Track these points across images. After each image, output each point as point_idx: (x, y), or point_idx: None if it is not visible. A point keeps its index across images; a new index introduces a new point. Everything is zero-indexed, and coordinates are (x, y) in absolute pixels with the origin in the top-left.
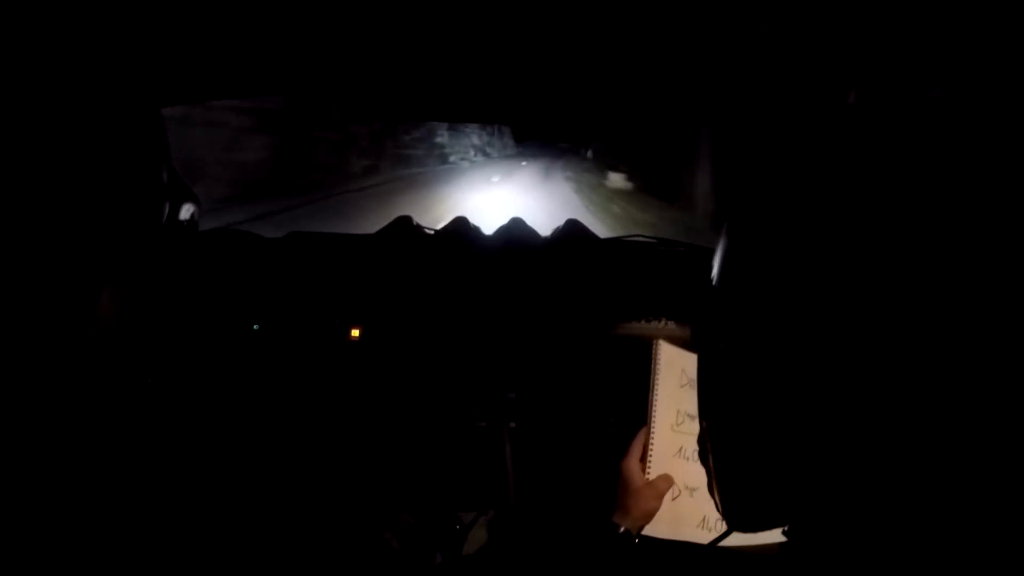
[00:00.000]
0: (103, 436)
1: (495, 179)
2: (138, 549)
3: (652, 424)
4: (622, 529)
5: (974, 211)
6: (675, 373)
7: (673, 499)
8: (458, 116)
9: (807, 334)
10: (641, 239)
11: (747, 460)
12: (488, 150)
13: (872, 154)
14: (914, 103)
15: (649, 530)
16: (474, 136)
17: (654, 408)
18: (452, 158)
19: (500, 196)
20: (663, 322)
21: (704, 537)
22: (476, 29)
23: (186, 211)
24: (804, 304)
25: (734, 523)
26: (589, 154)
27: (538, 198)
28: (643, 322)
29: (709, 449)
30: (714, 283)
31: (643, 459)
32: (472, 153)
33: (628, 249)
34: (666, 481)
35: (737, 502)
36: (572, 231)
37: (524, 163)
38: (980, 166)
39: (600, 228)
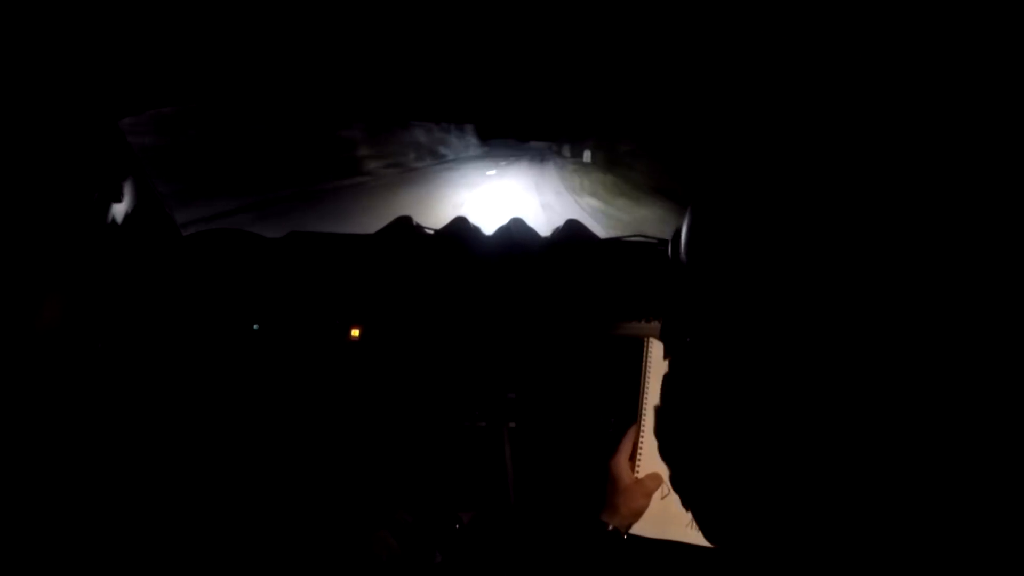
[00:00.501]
0: (100, 436)
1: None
2: (138, 549)
3: (642, 423)
4: (611, 527)
5: (948, 206)
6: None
7: (662, 498)
8: (415, 112)
9: (773, 329)
10: (641, 239)
11: (708, 455)
12: (442, 151)
13: (842, 150)
14: (880, 102)
15: (637, 529)
16: (418, 133)
17: (644, 407)
18: (371, 165)
19: (500, 195)
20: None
21: (692, 536)
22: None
23: (141, 212)
24: (769, 298)
25: (703, 526)
26: (587, 157)
27: (538, 198)
28: (642, 322)
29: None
30: (677, 272)
31: (632, 458)
32: (412, 157)
33: (628, 249)
34: (655, 480)
35: (700, 502)
36: (572, 231)
37: (492, 172)
38: (955, 162)
39: (600, 228)
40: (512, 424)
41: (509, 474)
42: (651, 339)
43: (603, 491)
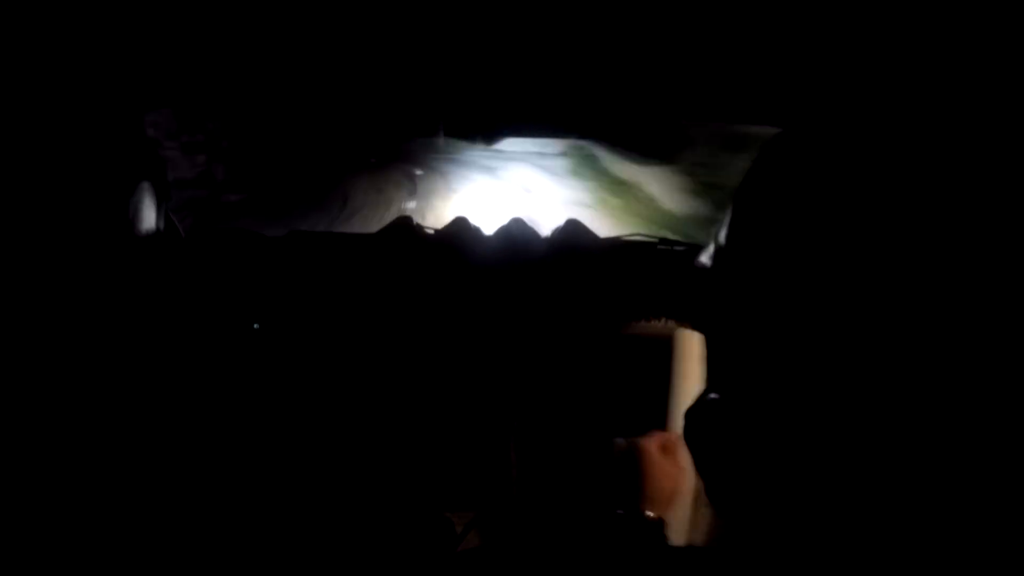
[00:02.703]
0: (103, 436)
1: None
2: (138, 549)
3: (673, 408)
4: (651, 516)
5: (977, 210)
6: (697, 358)
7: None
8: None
9: (802, 328)
10: (641, 239)
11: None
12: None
13: (873, 150)
14: (914, 100)
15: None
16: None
17: (674, 402)
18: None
19: (499, 196)
20: (663, 321)
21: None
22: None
23: (158, 216)
24: (801, 297)
25: (718, 508)
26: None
27: (537, 197)
28: (643, 321)
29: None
30: (711, 267)
31: (664, 448)
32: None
33: (628, 249)
34: (682, 455)
35: (718, 488)
36: (572, 231)
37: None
38: (983, 164)
39: (600, 227)
40: (515, 424)
41: (513, 473)
42: (680, 333)
43: (633, 484)
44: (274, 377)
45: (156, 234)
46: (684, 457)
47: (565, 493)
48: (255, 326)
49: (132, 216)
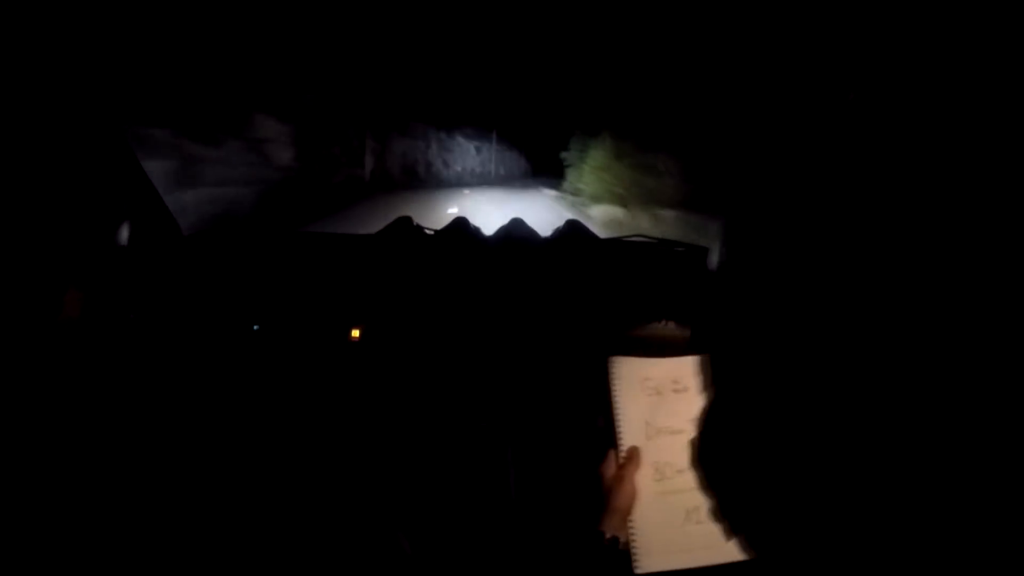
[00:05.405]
0: (101, 436)
1: None
2: (138, 550)
3: (619, 430)
4: (608, 536)
5: (970, 209)
6: (636, 385)
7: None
8: None
9: (804, 332)
10: (641, 239)
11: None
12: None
13: (868, 152)
14: (909, 103)
15: (644, 558)
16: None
17: (619, 424)
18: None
19: (499, 197)
20: (664, 323)
21: (697, 532)
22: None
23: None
24: (801, 302)
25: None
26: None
27: (538, 199)
28: (644, 322)
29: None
30: (715, 277)
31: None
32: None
33: (628, 249)
34: (634, 463)
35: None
36: (572, 231)
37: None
38: (976, 165)
39: (599, 228)
40: (513, 425)
41: (511, 477)
42: (613, 358)
43: (601, 498)
44: (274, 377)
45: (136, 241)
46: (635, 476)
47: (560, 508)
48: (255, 327)
49: (117, 222)
